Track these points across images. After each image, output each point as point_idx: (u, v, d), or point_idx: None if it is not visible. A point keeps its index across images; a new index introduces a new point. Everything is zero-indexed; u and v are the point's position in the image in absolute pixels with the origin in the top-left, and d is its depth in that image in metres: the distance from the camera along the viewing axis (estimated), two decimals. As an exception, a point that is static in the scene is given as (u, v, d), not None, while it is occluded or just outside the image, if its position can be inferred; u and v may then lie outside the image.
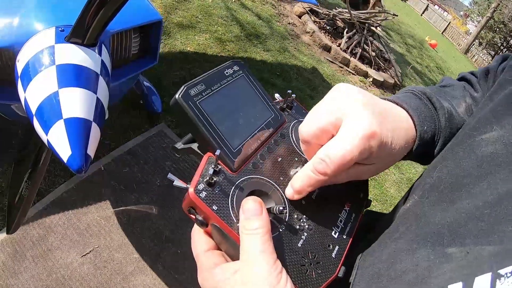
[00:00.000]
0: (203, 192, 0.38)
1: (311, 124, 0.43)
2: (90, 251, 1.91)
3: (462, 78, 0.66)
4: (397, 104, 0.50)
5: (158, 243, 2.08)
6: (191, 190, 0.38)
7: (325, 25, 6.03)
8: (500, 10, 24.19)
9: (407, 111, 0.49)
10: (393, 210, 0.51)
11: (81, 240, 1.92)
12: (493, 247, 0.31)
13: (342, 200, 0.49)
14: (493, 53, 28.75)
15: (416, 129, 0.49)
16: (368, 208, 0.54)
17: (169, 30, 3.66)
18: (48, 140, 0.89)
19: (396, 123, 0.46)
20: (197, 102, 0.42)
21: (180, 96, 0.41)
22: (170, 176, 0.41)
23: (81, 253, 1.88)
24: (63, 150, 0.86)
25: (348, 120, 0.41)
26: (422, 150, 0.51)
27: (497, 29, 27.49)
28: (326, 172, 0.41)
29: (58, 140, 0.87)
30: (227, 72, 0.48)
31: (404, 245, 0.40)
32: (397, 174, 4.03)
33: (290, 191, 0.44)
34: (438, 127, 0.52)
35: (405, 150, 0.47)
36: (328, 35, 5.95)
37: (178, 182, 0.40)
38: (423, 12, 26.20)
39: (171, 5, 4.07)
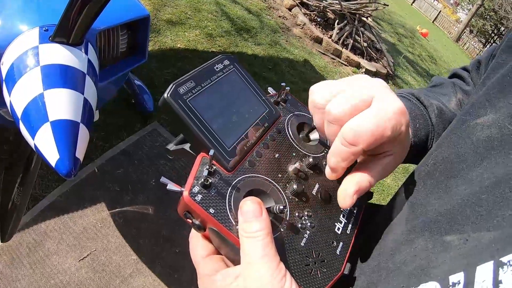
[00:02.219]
0: (199, 195, 0.36)
1: (343, 101, 0.40)
2: (88, 255, 1.88)
3: (453, 75, 0.67)
4: None
5: (156, 243, 2.07)
6: (185, 193, 0.36)
7: (315, 17, 6.00)
8: (489, -3, 24.27)
9: None
10: (390, 201, 0.51)
11: (78, 244, 1.90)
12: (493, 233, 0.30)
13: None
14: (484, 40, 28.92)
15: (410, 128, 0.49)
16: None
17: (159, 27, 3.62)
18: (35, 145, 0.86)
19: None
20: (187, 100, 0.40)
21: (168, 95, 0.39)
22: (163, 179, 0.38)
23: (79, 257, 1.86)
24: (51, 154, 0.83)
25: (381, 98, 0.40)
26: (418, 150, 0.51)
27: (488, 17, 27.63)
28: (357, 141, 0.38)
29: (45, 144, 0.84)
30: (217, 68, 0.46)
31: (402, 235, 0.40)
32: (393, 164, 4.03)
33: (328, 171, 0.43)
34: (431, 124, 0.52)
35: (409, 147, 0.47)
36: (319, 27, 5.93)
37: (171, 186, 0.38)
38: (413, 2, 26.20)
39: (160, 2, 4.03)
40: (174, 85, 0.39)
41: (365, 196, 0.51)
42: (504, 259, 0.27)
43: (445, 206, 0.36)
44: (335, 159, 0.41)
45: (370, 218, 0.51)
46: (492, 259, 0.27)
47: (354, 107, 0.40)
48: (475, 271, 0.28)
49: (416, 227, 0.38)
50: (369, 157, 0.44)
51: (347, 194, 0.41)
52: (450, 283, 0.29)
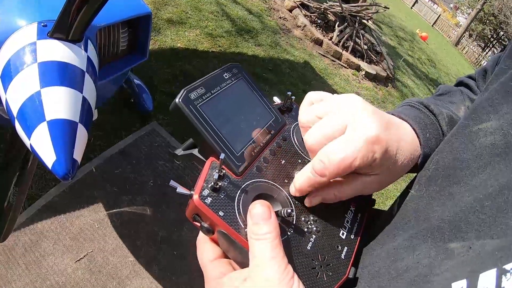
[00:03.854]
0: (208, 198, 0.37)
1: (316, 131, 0.43)
2: (84, 256, 1.86)
3: (460, 83, 0.67)
4: (397, 117, 0.50)
5: (154, 245, 2.05)
6: (195, 196, 0.37)
7: (316, 19, 6.00)
8: (490, 2, 24.32)
9: (407, 122, 0.49)
10: (391, 206, 0.51)
11: (74, 245, 1.88)
12: (496, 241, 0.30)
13: (347, 201, 0.48)
14: (483, 45, 29.05)
15: (419, 138, 0.48)
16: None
17: (159, 26, 3.61)
18: (31, 145, 0.83)
19: (401, 135, 0.45)
20: (197, 105, 0.42)
21: (180, 100, 0.40)
22: (172, 183, 0.40)
23: (75, 258, 1.84)
24: (47, 155, 0.80)
25: (354, 125, 0.41)
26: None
27: (487, 21, 27.73)
28: (324, 173, 0.40)
29: (42, 145, 0.81)
30: (226, 75, 0.48)
31: (404, 242, 0.40)
32: (393, 167, 4.03)
33: (292, 189, 0.44)
34: (441, 133, 0.51)
35: (411, 163, 0.46)
36: (320, 29, 5.93)
37: (181, 189, 0.39)
38: (413, 5, 26.26)
39: (160, 1, 4.01)
40: (185, 91, 0.41)
41: (367, 203, 0.52)
42: (508, 266, 0.26)
43: (448, 213, 0.36)
44: (301, 181, 0.43)
45: (371, 223, 0.51)
46: (495, 267, 0.27)
47: (326, 137, 0.41)
48: (478, 279, 0.28)
49: (419, 234, 0.38)
50: (352, 173, 0.44)
51: (307, 197, 0.44)
52: None
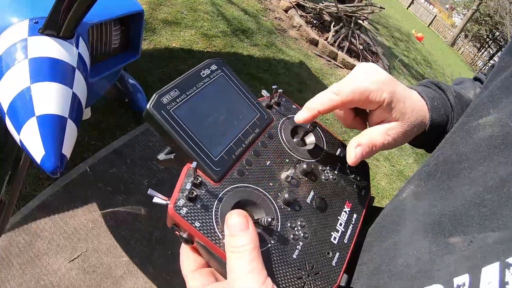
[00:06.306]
0: (184, 208, 0.35)
1: (347, 85, 0.47)
2: (78, 256, 1.85)
3: (474, 79, 0.71)
4: None
5: (148, 245, 2.04)
6: (170, 206, 0.35)
7: (312, 19, 6.01)
8: (485, 2, 24.39)
9: (415, 91, 0.52)
10: (390, 202, 0.50)
11: (68, 245, 1.87)
12: (497, 233, 0.30)
13: (342, 200, 0.46)
14: (478, 45, 29.14)
15: (427, 104, 0.50)
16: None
17: (154, 26, 3.60)
18: (20, 140, 0.83)
19: (409, 93, 0.50)
20: (170, 110, 0.39)
21: (151, 106, 0.38)
22: (150, 191, 0.38)
23: (69, 258, 1.83)
24: (36, 150, 0.80)
25: (368, 73, 0.47)
26: (440, 131, 0.51)
27: (483, 22, 27.79)
28: (339, 92, 0.46)
29: (31, 139, 0.81)
30: (203, 73, 0.44)
31: (404, 237, 0.39)
32: (388, 166, 4.04)
33: (301, 111, 0.48)
34: (449, 105, 0.53)
35: (422, 124, 0.49)
36: (315, 29, 5.93)
37: (157, 199, 0.37)
38: (409, 6, 26.34)
39: (156, 1, 4.01)
40: (157, 95, 0.38)
41: (364, 202, 0.49)
42: (510, 260, 0.26)
43: (448, 207, 0.36)
44: (315, 100, 0.47)
45: (369, 220, 0.50)
46: (498, 260, 0.27)
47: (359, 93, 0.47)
48: (481, 273, 0.27)
49: (419, 229, 0.37)
50: (374, 126, 0.50)
51: (350, 148, 0.47)
52: (455, 286, 0.29)
